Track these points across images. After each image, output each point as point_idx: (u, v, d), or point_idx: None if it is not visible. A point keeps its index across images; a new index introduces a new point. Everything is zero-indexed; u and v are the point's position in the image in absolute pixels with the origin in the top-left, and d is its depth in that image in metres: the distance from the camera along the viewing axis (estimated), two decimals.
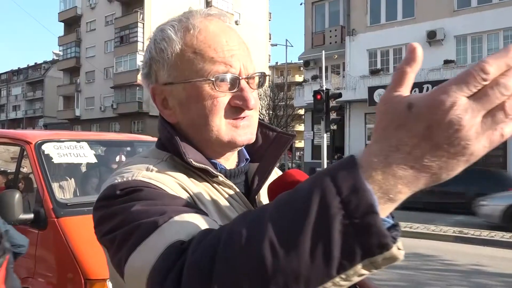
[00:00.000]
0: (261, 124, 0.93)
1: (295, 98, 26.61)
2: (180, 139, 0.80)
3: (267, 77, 0.92)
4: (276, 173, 0.98)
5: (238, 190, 0.84)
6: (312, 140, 22.36)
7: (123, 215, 0.66)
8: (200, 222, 0.63)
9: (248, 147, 0.91)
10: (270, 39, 53.22)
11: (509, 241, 8.69)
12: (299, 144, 43.43)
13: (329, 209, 0.45)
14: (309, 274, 0.45)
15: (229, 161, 0.89)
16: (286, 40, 33.00)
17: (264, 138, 0.93)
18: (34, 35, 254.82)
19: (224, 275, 0.49)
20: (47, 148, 3.49)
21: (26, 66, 63.20)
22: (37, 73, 60.08)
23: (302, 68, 27.02)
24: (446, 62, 19.17)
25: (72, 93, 46.48)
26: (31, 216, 3.11)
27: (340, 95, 12.33)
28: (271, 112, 36.34)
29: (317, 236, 0.45)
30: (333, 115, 11.89)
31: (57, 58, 51.46)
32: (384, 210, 0.46)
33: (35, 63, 62.47)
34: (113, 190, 0.72)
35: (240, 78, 0.81)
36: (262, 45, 50.12)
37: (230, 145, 0.83)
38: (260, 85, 0.88)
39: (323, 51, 14.19)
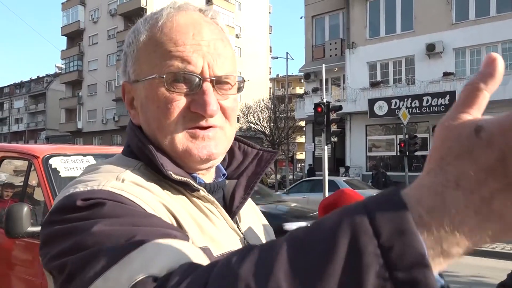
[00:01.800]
0: (240, 141, 0.86)
1: (296, 110, 26.76)
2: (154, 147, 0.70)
3: (244, 83, 0.81)
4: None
5: (220, 206, 0.75)
6: (313, 152, 22.43)
7: (79, 236, 0.52)
8: (179, 252, 0.50)
9: (224, 163, 0.84)
10: (270, 51, 53.67)
11: (510, 253, 8.71)
12: (300, 156, 43.49)
13: (363, 256, 0.33)
14: None
15: (206, 176, 0.78)
16: (287, 53, 33.27)
17: (243, 155, 0.85)
18: (37, 48, 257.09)
19: None
20: (54, 162, 3.58)
21: (28, 79, 63.73)
22: (40, 86, 60.52)
23: (302, 80, 27.21)
24: (446, 74, 19.32)
25: (74, 106, 46.76)
26: (38, 229, 3.18)
27: (340, 107, 12.45)
28: (272, 124, 36.45)
29: None
30: (333, 128, 11.98)
31: (60, 71, 51.89)
32: (434, 267, 0.34)
33: (38, 76, 62.96)
34: (72, 200, 0.58)
35: (201, 78, 0.69)
36: (262, 57, 50.54)
37: (185, 157, 0.71)
38: (239, 89, 0.79)
39: (323, 65, 14.33)
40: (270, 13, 53.57)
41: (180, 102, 0.69)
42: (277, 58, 35.95)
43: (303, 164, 28.42)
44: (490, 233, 0.33)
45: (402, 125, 16.87)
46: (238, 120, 43.06)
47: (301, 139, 37.96)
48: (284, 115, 34.86)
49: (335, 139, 12.54)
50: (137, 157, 0.73)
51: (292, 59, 43.45)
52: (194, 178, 0.73)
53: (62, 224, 0.56)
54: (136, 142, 0.73)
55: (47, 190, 3.33)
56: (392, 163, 21.08)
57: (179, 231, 0.58)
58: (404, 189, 0.37)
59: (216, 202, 0.74)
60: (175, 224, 0.64)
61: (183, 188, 0.71)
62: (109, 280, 0.47)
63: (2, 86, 67.93)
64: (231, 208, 0.79)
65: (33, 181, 3.73)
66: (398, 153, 17.94)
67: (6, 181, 4.26)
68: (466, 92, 0.37)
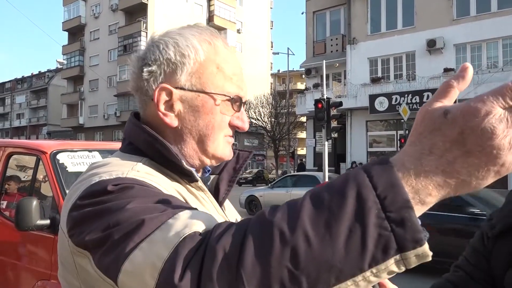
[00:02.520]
0: None
1: (296, 105, 26.82)
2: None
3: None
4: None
5: (211, 196, 0.87)
6: (314, 148, 22.54)
7: (118, 212, 0.60)
8: (209, 217, 0.60)
9: None
10: (272, 47, 53.62)
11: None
12: (301, 151, 43.56)
13: (366, 203, 0.46)
14: (342, 266, 0.46)
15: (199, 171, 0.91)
16: (288, 48, 33.27)
17: None
18: (38, 44, 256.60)
19: (254, 262, 0.47)
20: (61, 157, 3.69)
21: (30, 74, 63.72)
22: (41, 82, 60.58)
23: (304, 76, 27.25)
24: (446, 70, 19.36)
25: (76, 101, 46.86)
26: (47, 222, 3.29)
27: (340, 103, 12.54)
28: (273, 119, 36.49)
29: (352, 228, 0.46)
30: (334, 123, 12.08)
31: (61, 66, 51.94)
32: (415, 211, 0.47)
33: (39, 71, 62.96)
34: (102, 186, 0.65)
35: (244, 102, 0.88)
36: (264, 53, 50.51)
37: (219, 159, 0.87)
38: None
39: (324, 61, 14.41)
40: (271, 8, 53.49)
41: (228, 117, 0.84)
42: (278, 54, 35.96)
43: (304, 160, 28.54)
44: (453, 186, 0.47)
45: (402, 121, 16.94)
46: None
47: (302, 134, 38.05)
48: (285, 110, 34.91)
49: (335, 135, 12.63)
50: (138, 153, 0.81)
51: (293, 54, 43.48)
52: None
53: (95, 205, 0.63)
54: (145, 138, 0.80)
55: (55, 184, 3.45)
56: None
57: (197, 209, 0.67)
58: (394, 157, 0.50)
59: (207, 191, 0.86)
60: None
61: (182, 179, 0.81)
62: (155, 241, 0.55)
63: (4, 81, 67.99)
64: (217, 199, 0.92)
65: (41, 176, 3.84)
66: (399, 149, 18.02)
67: (14, 176, 4.37)
68: (443, 86, 0.49)
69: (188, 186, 0.82)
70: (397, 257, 0.46)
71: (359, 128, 22.14)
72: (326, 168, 12.39)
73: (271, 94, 40.71)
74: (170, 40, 0.82)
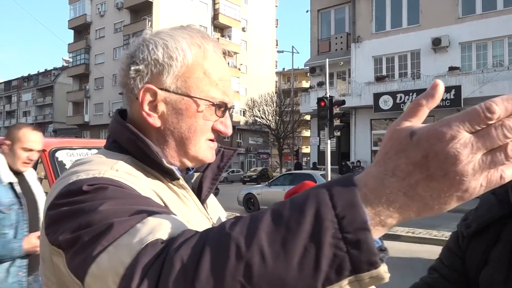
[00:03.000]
0: None
1: (301, 104, 26.78)
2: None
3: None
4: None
5: (193, 193, 0.88)
6: (318, 146, 22.50)
7: (88, 214, 0.61)
8: (176, 223, 0.60)
9: None
10: (277, 45, 53.56)
11: (442, 239, 8.87)
12: (306, 149, 43.55)
13: (323, 222, 0.46)
14: (295, 284, 0.45)
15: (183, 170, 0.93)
16: (292, 47, 33.24)
17: None
18: (44, 42, 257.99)
19: (209, 276, 0.48)
20: (60, 155, 3.72)
21: (36, 72, 64.15)
22: (47, 80, 60.95)
23: (308, 74, 27.23)
24: (451, 68, 19.27)
25: (81, 99, 47.11)
26: None
27: (343, 102, 12.50)
28: (277, 118, 36.49)
29: (308, 247, 0.45)
30: (337, 122, 12.05)
31: (67, 64, 52.24)
32: (374, 232, 0.47)
33: (45, 69, 63.38)
34: (78, 186, 0.67)
35: (228, 107, 0.88)
36: (268, 51, 50.48)
37: (200, 162, 0.89)
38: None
39: (327, 59, 14.37)
40: (276, 6, 53.40)
41: (211, 122, 0.86)
42: (282, 52, 35.97)
43: (308, 158, 28.54)
44: (415, 209, 0.46)
45: None
46: (244, 113, 43.20)
47: (307, 133, 38.00)
48: (290, 109, 34.89)
49: (338, 134, 12.60)
50: (121, 151, 0.82)
51: (298, 53, 43.41)
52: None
53: (70, 205, 0.65)
54: (128, 136, 0.81)
55: (53, 182, 3.48)
56: None
57: (170, 212, 0.69)
58: (357, 175, 0.49)
59: (189, 189, 0.87)
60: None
61: (164, 177, 0.83)
62: (121, 246, 0.56)
63: (10, 79, 68.55)
64: (199, 196, 0.93)
65: (41, 173, 3.87)
66: None
67: None
68: (411, 105, 0.48)
69: (169, 184, 0.83)
70: (352, 278, 0.45)
71: (364, 126, 22.08)
72: (329, 166, 12.37)
73: (275, 93, 40.70)
74: (159, 41, 0.83)
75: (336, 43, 24.04)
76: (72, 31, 48.47)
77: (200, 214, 0.88)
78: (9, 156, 2.41)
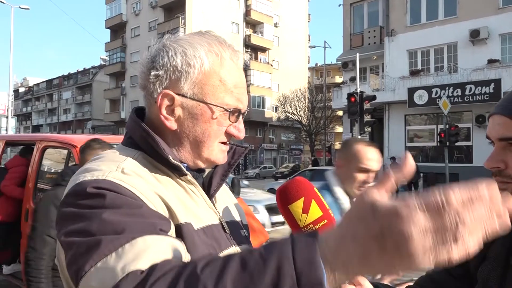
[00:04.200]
0: None
1: (333, 99, 26.49)
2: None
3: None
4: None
5: (200, 188, 0.93)
6: None
7: (87, 222, 0.67)
8: (162, 247, 0.66)
9: None
10: (309, 40, 53.08)
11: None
12: (339, 146, 42.97)
13: (283, 276, 0.50)
14: None
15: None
16: (325, 41, 32.79)
17: None
18: (84, 41, 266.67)
19: None
20: None
21: (75, 71, 66.36)
22: (86, 78, 62.96)
23: (341, 69, 26.86)
24: (491, 61, 18.52)
25: (118, 97, 48.43)
26: None
27: (374, 97, 12.28)
28: (309, 113, 36.24)
29: None
30: (367, 118, 11.87)
31: (104, 63, 53.81)
32: (330, 284, 0.52)
33: (84, 68, 65.42)
34: (82, 187, 0.73)
35: (242, 112, 0.93)
36: (301, 46, 50.09)
37: (212, 164, 0.94)
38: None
39: (358, 54, 14.14)
40: (308, 1, 52.89)
41: (225, 127, 0.90)
42: (314, 47, 35.56)
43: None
44: (365, 271, 0.52)
45: (443, 114, 16.38)
46: (276, 109, 43.10)
47: (340, 129, 37.51)
48: (322, 104, 34.56)
49: (369, 129, 12.40)
50: (136, 147, 0.88)
51: (330, 47, 42.82)
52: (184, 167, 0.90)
53: (74, 207, 0.71)
54: (141, 133, 0.87)
55: None
56: (433, 154, 20.54)
57: (164, 220, 0.74)
58: (322, 233, 0.54)
59: (197, 185, 0.91)
60: (164, 206, 0.80)
61: (172, 173, 0.87)
62: (107, 267, 0.62)
63: (52, 78, 71.22)
64: (209, 192, 0.96)
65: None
66: (438, 144, 17.47)
67: (48, 168, 4.63)
68: (381, 178, 0.53)
69: (178, 179, 0.88)
70: None
71: (397, 122, 21.60)
72: None
73: (308, 88, 40.39)
74: (179, 48, 0.87)
75: (369, 37, 23.58)
76: (109, 31, 49.85)
77: (208, 209, 0.92)
78: (343, 177, 1.99)
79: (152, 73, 0.87)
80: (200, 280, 0.54)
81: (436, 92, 19.17)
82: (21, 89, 75.58)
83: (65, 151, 4.04)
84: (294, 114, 36.70)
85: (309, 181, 0.84)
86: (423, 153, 20.91)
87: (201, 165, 0.92)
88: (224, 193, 1.06)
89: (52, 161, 4.63)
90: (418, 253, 0.46)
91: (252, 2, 44.66)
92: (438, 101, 17.64)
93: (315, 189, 0.81)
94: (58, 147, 4.30)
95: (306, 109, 36.58)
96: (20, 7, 25.31)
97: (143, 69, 0.90)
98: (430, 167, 18.70)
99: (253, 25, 45.79)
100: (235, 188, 6.63)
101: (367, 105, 11.69)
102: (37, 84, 74.63)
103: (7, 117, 23.73)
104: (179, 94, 0.86)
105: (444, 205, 0.45)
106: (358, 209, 0.52)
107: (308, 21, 53.00)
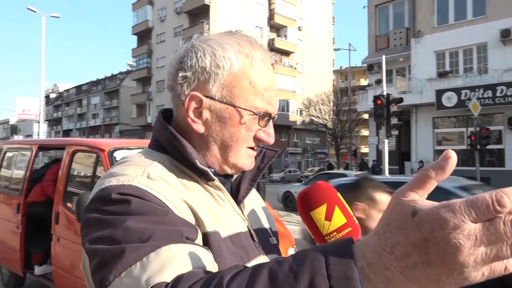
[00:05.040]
0: None
1: (358, 102, 26.18)
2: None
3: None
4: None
5: (228, 194, 0.89)
6: (377, 146, 21.86)
7: (112, 229, 0.65)
8: (188, 256, 0.63)
9: None
10: (333, 43, 52.71)
11: None
12: (365, 149, 42.46)
13: None
14: None
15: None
16: (349, 44, 32.57)
17: None
18: (111, 48, 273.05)
19: None
20: (118, 154, 3.95)
21: (103, 77, 67.99)
22: (113, 83, 64.38)
23: (366, 72, 26.56)
24: None
25: (144, 102, 49.28)
26: None
27: (401, 100, 12.05)
28: (334, 117, 35.93)
29: None
30: (394, 120, 11.65)
31: (131, 69, 54.88)
32: None
33: (112, 74, 66.97)
34: (107, 193, 0.70)
35: (272, 116, 0.89)
36: (325, 49, 49.81)
37: (239, 169, 0.89)
38: None
39: (384, 56, 13.92)
40: (333, 4, 52.56)
41: (254, 132, 0.86)
42: (339, 50, 35.36)
43: (367, 158, 27.82)
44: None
45: (473, 117, 15.93)
46: (301, 113, 42.94)
47: (366, 132, 37.03)
48: (347, 108, 34.21)
49: (396, 132, 12.18)
50: (162, 151, 0.85)
51: (355, 50, 42.55)
52: (211, 171, 0.85)
53: (98, 213, 0.69)
54: (167, 136, 0.84)
55: None
56: (463, 158, 19.99)
57: (191, 227, 0.71)
58: (356, 242, 0.49)
59: (225, 190, 0.87)
60: (191, 213, 0.76)
61: (199, 178, 0.84)
62: (132, 277, 0.59)
63: (81, 84, 73.16)
64: (237, 197, 0.92)
65: (101, 171, 4.13)
66: (468, 147, 17.00)
67: (77, 172, 4.74)
68: (419, 175, 0.46)
69: (205, 185, 0.84)
70: None
71: (425, 125, 21.14)
72: (387, 166, 11.99)
73: (332, 91, 40.10)
74: (208, 49, 0.84)
75: (395, 39, 23.22)
76: (135, 37, 50.86)
77: (235, 216, 0.88)
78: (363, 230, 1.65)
79: (180, 74, 0.85)
80: None
81: (466, 94, 18.68)
82: (52, 95, 77.85)
83: (94, 155, 4.12)
84: (318, 117, 36.46)
85: (331, 186, 0.78)
86: None
87: (228, 170, 0.88)
88: (253, 199, 1.02)
89: (82, 165, 4.73)
90: (468, 265, 0.40)
91: (276, 6, 44.72)
92: (468, 103, 17.17)
93: (338, 194, 0.76)
94: (87, 151, 4.40)
95: (331, 112, 36.28)
96: (51, 16, 26.10)
97: (171, 70, 0.88)
98: (460, 171, 18.16)
99: (277, 29, 45.83)
100: (260, 193, 6.65)
101: (394, 108, 11.47)
102: (67, 90, 76.82)
103: (39, 122, 24.46)
104: (207, 97, 0.83)
105: (498, 211, 0.39)
106: (396, 216, 0.45)
107: (333, 24, 52.66)
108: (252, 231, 0.90)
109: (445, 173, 0.45)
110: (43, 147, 6.06)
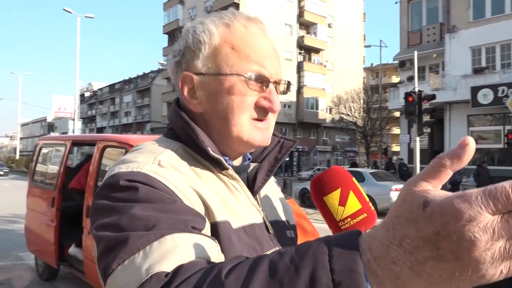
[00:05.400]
0: None
1: (389, 100, 25.67)
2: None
3: (291, 85, 0.92)
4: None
5: (243, 184, 0.85)
6: (409, 144, 21.38)
7: (118, 215, 0.64)
8: (192, 246, 0.61)
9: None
10: (364, 40, 51.85)
11: None
12: (396, 148, 41.60)
13: (318, 286, 0.43)
14: None
15: (236, 160, 0.90)
16: (380, 41, 31.90)
17: None
18: (143, 47, 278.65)
19: None
20: None
21: (135, 76, 69.46)
22: (145, 82, 65.64)
23: (398, 69, 26.00)
24: None
25: None
26: None
27: (433, 96, 11.71)
28: (364, 115, 35.37)
29: None
30: (426, 118, 11.35)
31: (162, 67, 55.75)
32: None
33: (143, 72, 68.28)
34: (116, 180, 0.69)
35: (270, 80, 0.83)
36: (356, 46, 49.07)
37: (247, 144, 0.84)
38: (284, 92, 0.89)
39: (416, 52, 13.57)
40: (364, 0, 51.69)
41: (252, 98, 0.81)
42: (369, 47, 34.66)
43: (399, 157, 27.24)
44: (420, 285, 0.40)
45: (510, 114, 15.33)
46: (330, 111, 42.51)
47: (397, 130, 36.29)
48: (378, 105, 33.59)
49: (428, 130, 11.86)
50: (177, 139, 0.83)
51: (386, 46, 41.69)
52: (225, 160, 0.82)
53: (106, 199, 0.68)
54: (181, 123, 0.82)
55: None
56: (499, 157, 19.29)
57: (198, 217, 0.68)
58: (363, 234, 0.45)
59: (240, 180, 0.84)
60: (200, 202, 0.74)
61: (214, 166, 0.81)
62: (133, 266, 0.57)
63: (114, 82, 75.03)
64: (253, 187, 0.90)
65: None
66: (505, 146, 16.37)
67: (108, 167, 4.88)
68: (433, 164, 0.43)
69: (219, 174, 0.82)
70: None
71: (459, 123, 20.50)
72: (418, 165, 11.70)
73: (363, 89, 39.49)
74: (190, 29, 0.85)
75: (428, 35, 22.60)
76: (166, 36, 51.66)
77: (250, 206, 0.85)
78: None
79: (173, 61, 0.86)
80: (224, 287, 0.47)
81: (503, 90, 17.98)
82: (87, 94, 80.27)
83: (123, 150, 4.21)
84: (348, 115, 35.98)
85: (347, 170, 0.76)
86: (488, 156, 19.67)
87: (237, 148, 0.85)
88: (271, 190, 1.00)
89: (112, 160, 4.85)
90: (485, 262, 0.36)
91: (306, 3, 44.37)
92: (505, 100, 16.53)
93: (353, 179, 0.73)
94: (116, 147, 4.51)
95: (361, 110, 35.72)
96: (85, 16, 26.85)
97: (170, 64, 0.89)
98: (497, 170, 17.53)
99: (307, 26, 45.47)
100: (287, 189, 6.59)
101: (425, 105, 11.17)
102: (101, 89, 79.01)
103: (73, 120, 25.21)
104: (196, 74, 0.83)
105: None
106: (406, 206, 0.42)
107: (364, 20, 51.79)
108: (267, 223, 0.87)
109: (461, 162, 0.41)
110: (76, 143, 6.26)
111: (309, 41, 44.08)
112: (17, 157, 54.38)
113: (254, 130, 0.82)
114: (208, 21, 0.84)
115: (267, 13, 40.40)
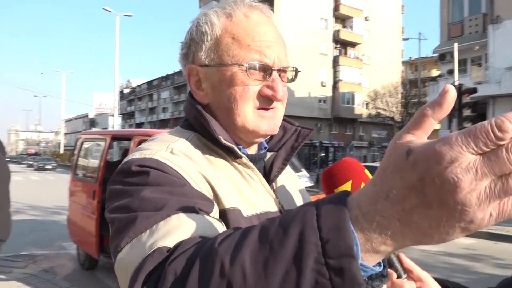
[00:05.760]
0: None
1: (428, 94, 24.88)
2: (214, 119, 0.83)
3: (298, 72, 0.91)
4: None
5: (258, 172, 0.86)
6: None
7: (129, 198, 0.67)
8: (196, 225, 0.62)
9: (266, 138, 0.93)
10: (403, 33, 50.41)
11: None
12: None
13: (306, 245, 0.42)
14: None
15: (251, 148, 0.92)
16: (419, 33, 31.01)
17: (283, 130, 0.96)
18: (179, 44, 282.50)
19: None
20: None
21: (172, 72, 70.65)
22: (182, 78, 66.44)
23: (437, 62, 25.16)
24: None
25: None
26: None
27: (474, 90, 11.26)
28: (402, 109, 34.51)
29: (289, 270, 0.43)
30: (467, 112, 10.95)
31: None
32: (368, 259, 0.43)
33: (180, 69, 68.83)
34: (129, 165, 0.73)
35: (273, 68, 0.83)
36: (393, 40, 47.82)
37: (253, 134, 0.85)
38: (291, 80, 0.89)
39: (456, 44, 13.08)
40: None
41: (255, 87, 0.82)
42: (407, 40, 33.74)
43: None
44: (412, 237, 0.40)
45: None
46: (367, 105, 41.71)
47: (437, 125, 35.15)
48: (416, 100, 32.68)
49: (469, 125, 11.42)
50: (192, 129, 0.86)
51: (426, 39, 40.38)
52: (239, 149, 0.84)
53: (119, 184, 0.71)
54: (194, 114, 0.85)
55: None
56: None
57: (207, 200, 0.70)
58: (353, 195, 0.45)
59: (255, 168, 0.86)
60: (209, 189, 0.76)
61: (228, 155, 0.83)
62: (140, 244, 0.60)
63: (152, 79, 76.66)
64: (269, 176, 0.91)
65: None
66: None
67: None
68: (416, 115, 0.42)
69: (233, 162, 0.84)
70: None
71: None
72: None
73: (401, 83, 38.49)
74: (194, 22, 0.87)
75: (470, 26, 21.72)
76: None
77: (266, 195, 0.86)
78: None
79: (181, 53, 0.89)
80: (218, 254, 0.48)
81: None
82: (126, 90, 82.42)
83: None
84: (385, 110, 35.20)
85: (359, 162, 0.75)
86: None
87: (244, 137, 0.86)
88: (289, 181, 1.00)
89: None
90: (471, 204, 0.36)
91: None
92: None
93: (365, 171, 0.72)
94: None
95: (399, 104, 34.85)
96: (124, 15, 27.56)
97: (179, 58, 0.91)
98: None
99: (342, 19, 44.72)
100: (319, 185, 6.55)
101: (466, 99, 10.77)
102: (139, 85, 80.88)
103: (113, 116, 26.01)
104: (201, 66, 0.85)
105: (499, 137, 0.34)
106: (392, 159, 0.41)
107: (402, 13, 50.32)
108: (282, 211, 0.87)
109: (442, 110, 0.40)
110: (115, 138, 6.48)
111: (345, 35, 43.34)
112: (62, 151, 56.74)
113: (259, 119, 0.83)
114: (211, 12, 0.86)
115: (302, 8, 40.03)
